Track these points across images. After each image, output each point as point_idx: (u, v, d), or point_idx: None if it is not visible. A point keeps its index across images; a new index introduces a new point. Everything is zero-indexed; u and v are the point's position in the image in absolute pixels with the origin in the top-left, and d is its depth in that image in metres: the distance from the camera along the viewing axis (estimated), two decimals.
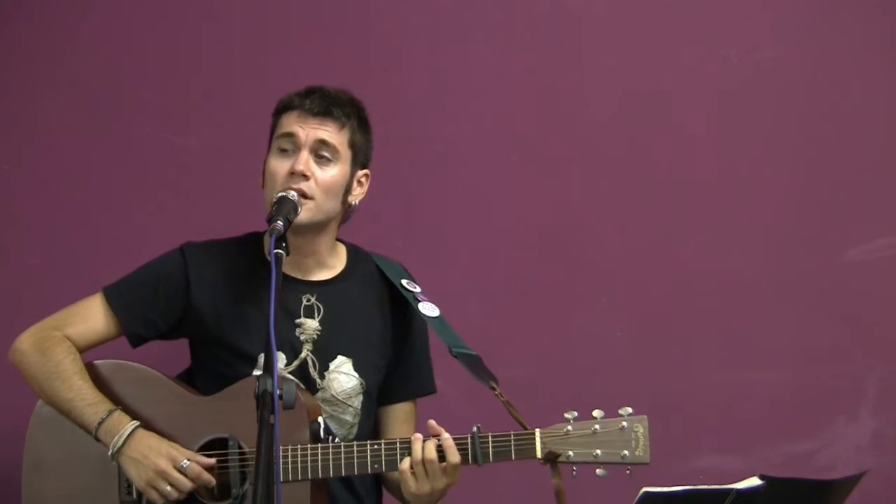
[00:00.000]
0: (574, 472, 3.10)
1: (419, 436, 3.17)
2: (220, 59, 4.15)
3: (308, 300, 3.40)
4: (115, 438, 3.26)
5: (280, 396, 2.74)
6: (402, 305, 3.45)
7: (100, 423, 3.28)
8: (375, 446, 3.19)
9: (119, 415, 3.29)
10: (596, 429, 3.10)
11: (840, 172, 4.06)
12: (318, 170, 3.33)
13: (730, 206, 4.06)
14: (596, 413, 3.11)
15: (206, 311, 3.38)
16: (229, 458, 3.25)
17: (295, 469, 3.19)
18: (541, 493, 3.22)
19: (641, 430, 3.09)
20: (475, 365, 3.33)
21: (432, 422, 3.17)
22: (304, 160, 3.32)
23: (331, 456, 3.19)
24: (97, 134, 4.13)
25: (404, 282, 3.45)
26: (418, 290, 3.45)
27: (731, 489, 2.80)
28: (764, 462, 3.93)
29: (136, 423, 3.28)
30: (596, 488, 3.10)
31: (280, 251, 3.02)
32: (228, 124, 4.10)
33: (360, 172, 3.43)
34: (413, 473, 3.14)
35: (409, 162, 4.08)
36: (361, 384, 3.39)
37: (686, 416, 3.99)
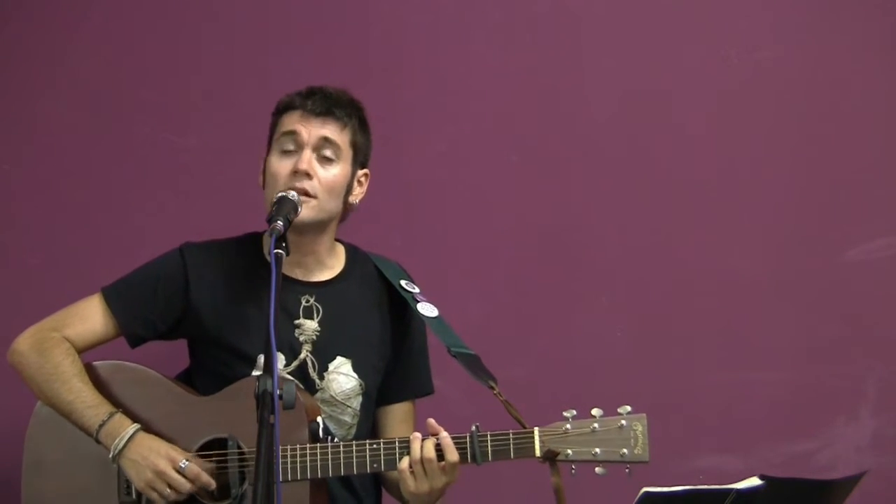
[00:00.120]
0: (573, 471, 3.10)
1: (418, 435, 3.17)
2: (220, 59, 4.15)
3: (307, 301, 3.40)
4: (116, 441, 3.26)
5: (280, 396, 2.74)
6: (401, 306, 3.45)
7: (100, 426, 3.28)
8: (374, 446, 3.19)
9: (120, 417, 3.29)
10: (595, 427, 3.10)
11: (840, 172, 4.06)
12: (320, 169, 3.34)
13: (730, 206, 4.06)
14: (595, 412, 3.11)
15: (205, 311, 3.38)
16: (228, 458, 3.25)
17: (294, 469, 3.19)
18: (540, 493, 3.22)
19: (640, 428, 3.09)
20: (474, 364, 3.33)
21: (431, 420, 3.16)
22: (308, 159, 3.32)
23: (330, 456, 3.19)
24: (97, 134, 4.14)
25: (403, 282, 3.45)
26: (417, 290, 3.45)
27: (731, 489, 2.80)
28: (764, 462, 3.93)
29: (136, 425, 3.28)
30: (595, 487, 3.10)
31: (280, 251, 3.01)
32: (228, 124, 4.10)
33: (360, 172, 3.44)
34: (412, 473, 3.14)
35: (409, 162, 4.08)
36: (360, 385, 3.39)
37: (686, 416, 3.99)
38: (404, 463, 3.15)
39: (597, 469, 3.09)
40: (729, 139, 4.08)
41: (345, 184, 3.38)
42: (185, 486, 3.24)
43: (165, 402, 3.35)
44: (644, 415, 3.10)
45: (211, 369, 3.38)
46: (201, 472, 3.24)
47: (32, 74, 4.15)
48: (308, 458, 3.19)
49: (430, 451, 3.13)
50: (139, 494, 3.30)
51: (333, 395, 3.37)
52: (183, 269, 3.40)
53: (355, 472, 3.21)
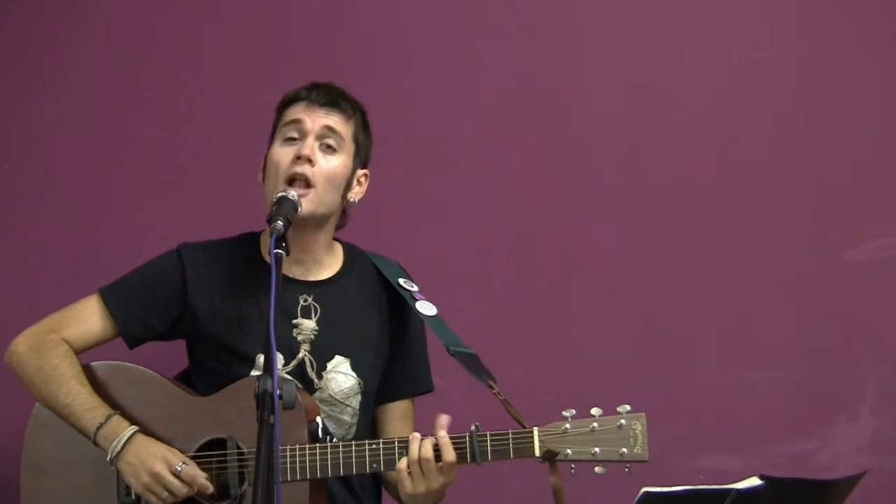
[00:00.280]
0: (573, 471, 3.10)
1: (417, 435, 3.16)
2: (219, 59, 4.15)
3: (305, 300, 3.40)
4: (114, 443, 3.26)
5: (280, 396, 2.74)
6: (400, 304, 3.45)
7: (98, 428, 3.28)
8: (374, 446, 3.19)
9: (117, 419, 3.29)
10: (594, 427, 3.10)
11: (840, 172, 4.06)
12: (321, 158, 3.34)
13: (730, 206, 4.06)
14: (594, 411, 3.11)
15: (203, 311, 3.38)
16: (228, 458, 3.25)
17: (294, 469, 3.19)
18: (540, 492, 3.21)
19: (640, 427, 3.09)
20: (473, 364, 3.33)
21: (444, 420, 3.15)
22: (310, 145, 3.34)
23: (329, 456, 3.19)
24: (97, 134, 4.13)
25: (402, 281, 3.45)
26: (416, 288, 3.45)
27: (731, 489, 2.80)
28: (764, 462, 3.93)
29: (134, 427, 3.28)
30: (595, 487, 3.10)
31: (280, 251, 3.01)
32: (228, 124, 4.10)
33: (360, 171, 3.44)
34: (409, 473, 3.14)
35: (409, 162, 4.08)
36: (359, 384, 3.39)
37: (686, 416, 3.99)
38: (402, 463, 3.15)
39: (596, 469, 3.09)
40: (729, 139, 4.08)
41: (345, 176, 3.38)
42: (182, 489, 3.24)
43: (164, 402, 3.34)
44: (643, 414, 3.10)
45: (209, 369, 3.38)
46: (197, 475, 3.24)
47: (32, 74, 4.14)
48: (307, 458, 3.19)
49: (427, 451, 3.13)
50: (138, 496, 3.30)
51: (332, 394, 3.37)
52: (181, 269, 3.40)
53: (355, 472, 3.21)
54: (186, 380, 3.45)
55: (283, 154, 3.35)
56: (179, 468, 3.23)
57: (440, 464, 3.13)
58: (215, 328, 3.37)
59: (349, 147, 3.40)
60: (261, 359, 3.33)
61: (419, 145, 4.11)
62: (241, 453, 3.24)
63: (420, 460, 3.13)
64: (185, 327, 3.41)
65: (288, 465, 3.19)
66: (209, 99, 4.14)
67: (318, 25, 4.14)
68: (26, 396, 3.41)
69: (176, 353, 3.48)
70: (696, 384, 4.02)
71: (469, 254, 4.10)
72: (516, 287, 4.09)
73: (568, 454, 3.10)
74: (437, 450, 3.13)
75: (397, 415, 3.48)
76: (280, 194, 3.24)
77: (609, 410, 3.12)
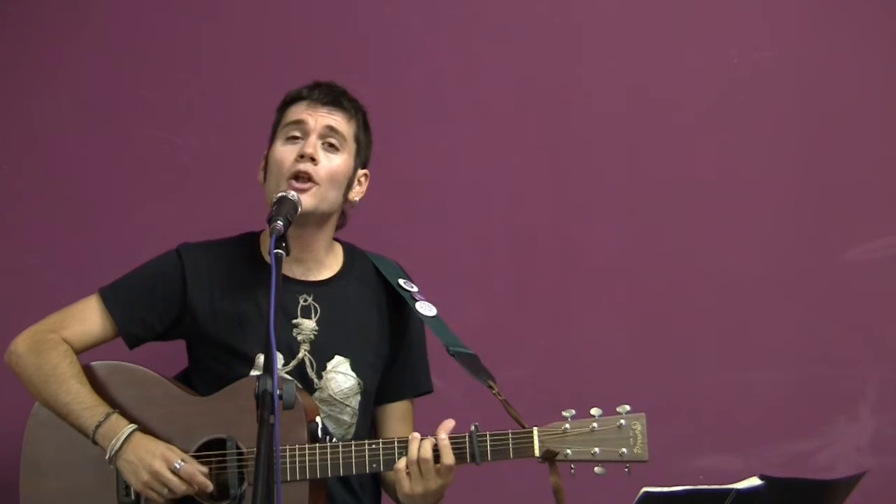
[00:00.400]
0: (573, 471, 3.10)
1: (416, 435, 3.16)
2: (219, 59, 4.15)
3: (305, 300, 3.40)
4: (113, 442, 3.26)
5: (280, 397, 2.74)
6: (400, 305, 3.45)
7: (97, 427, 3.28)
8: (373, 446, 3.19)
9: (116, 418, 3.29)
10: (594, 427, 3.10)
11: (840, 172, 4.06)
12: (324, 157, 3.35)
13: (730, 206, 4.06)
14: (594, 411, 3.11)
15: (203, 311, 3.38)
16: (227, 458, 3.25)
17: (293, 469, 3.19)
18: (540, 493, 3.21)
19: (639, 427, 3.09)
20: (473, 364, 3.33)
21: (448, 423, 3.16)
22: (313, 144, 3.34)
23: (329, 456, 3.19)
24: (97, 134, 4.13)
25: (401, 281, 3.45)
26: (415, 289, 3.45)
27: (731, 489, 2.79)
28: (764, 462, 3.93)
29: (133, 426, 3.28)
30: (595, 487, 3.10)
31: (280, 251, 3.01)
32: (228, 124, 4.10)
33: (361, 172, 3.44)
34: (408, 473, 3.14)
35: (409, 162, 4.08)
36: (359, 384, 3.39)
37: (686, 416, 3.99)
38: (401, 463, 3.15)
39: (596, 469, 3.08)
40: (729, 139, 4.08)
41: (347, 175, 3.39)
42: (181, 487, 3.24)
43: (164, 402, 3.34)
44: (643, 414, 3.10)
45: (209, 369, 3.38)
46: (196, 472, 3.24)
47: (32, 74, 4.14)
48: (307, 458, 3.19)
49: (426, 452, 3.13)
50: (138, 495, 3.30)
51: (332, 394, 3.37)
52: (180, 269, 3.40)
53: (354, 472, 3.20)
54: (186, 380, 3.45)
55: (285, 152, 3.36)
56: (178, 465, 3.23)
57: (438, 465, 3.13)
58: (215, 328, 3.37)
59: (351, 146, 3.40)
60: (260, 359, 3.33)
61: (419, 145, 4.11)
62: (241, 453, 3.24)
63: (419, 461, 3.13)
64: (184, 327, 3.41)
65: (287, 465, 3.19)
66: (209, 99, 4.14)
67: (318, 25, 4.14)
68: (26, 396, 3.41)
69: (176, 353, 3.48)
70: (696, 384, 4.02)
71: (469, 254, 4.10)
72: (516, 287, 4.09)
73: (568, 454, 3.10)
74: (436, 451, 3.13)
75: (396, 415, 3.48)
76: (280, 194, 3.24)
77: (609, 410, 3.12)
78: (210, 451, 3.27)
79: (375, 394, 3.45)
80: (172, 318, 3.40)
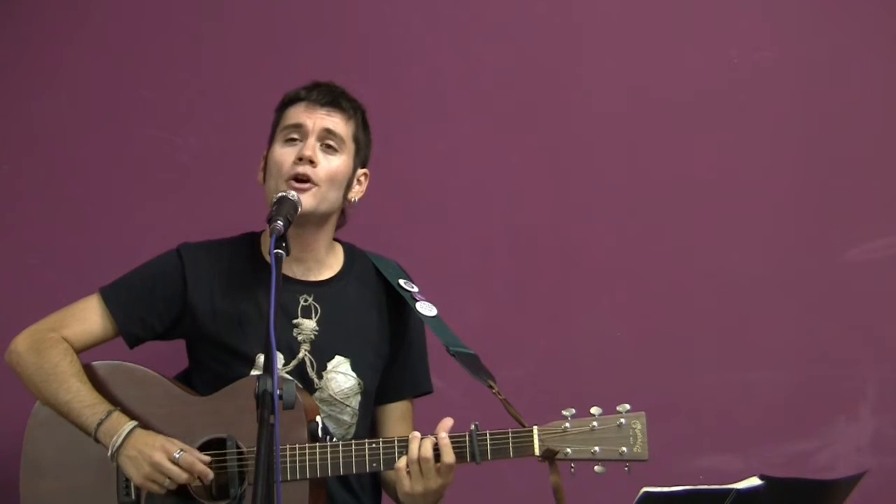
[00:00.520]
0: (573, 470, 3.10)
1: (417, 434, 3.16)
2: (219, 59, 4.15)
3: (305, 300, 3.40)
4: (114, 438, 3.26)
5: (280, 397, 2.74)
6: (400, 305, 3.45)
7: (98, 425, 3.28)
8: (374, 445, 3.19)
9: (118, 415, 3.29)
10: (594, 426, 3.10)
11: (840, 172, 4.06)
12: (323, 158, 3.35)
13: (730, 206, 4.06)
14: (594, 410, 3.11)
15: (203, 311, 3.38)
16: (227, 457, 3.25)
17: (293, 468, 3.19)
18: (540, 492, 3.21)
19: (639, 426, 3.09)
20: (473, 364, 3.33)
21: (447, 422, 3.16)
22: (312, 146, 3.34)
23: (329, 455, 3.19)
24: (97, 134, 4.13)
25: (402, 281, 3.45)
26: (416, 289, 3.45)
27: (731, 489, 2.79)
28: (764, 462, 3.93)
29: (134, 422, 3.28)
30: (595, 486, 3.10)
31: (280, 251, 3.01)
32: (228, 124, 4.10)
33: (360, 171, 3.45)
34: (408, 472, 3.14)
35: (409, 162, 4.08)
36: (359, 384, 3.39)
37: (686, 416, 3.99)
38: (401, 462, 3.15)
39: (596, 468, 3.08)
40: (729, 139, 4.08)
41: (346, 175, 3.39)
42: (182, 476, 3.23)
43: (164, 402, 3.35)
44: (643, 413, 3.10)
45: (209, 369, 3.38)
46: (196, 461, 3.23)
47: (32, 74, 4.14)
48: (307, 457, 3.19)
49: (427, 451, 3.13)
50: (138, 495, 3.30)
51: (332, 394, 3.37)
52: (180, 269, 3.40)
53: (354, 471, 3.20)
54: (187, 380, 3.45)
55: (284, 154, 3.36)
56: (178, 455, 3.23)
57: (439, 464, 3.13)
58: (215, 328, 3.37)
59: (350, 147, 3.40)
60: (261, 358, 3.33)
61: (419, 145, 4.11)
62: (241, 453, 3.25)
63: (419, 460, 3.13)
64: (184, 327, 3.41)
65: (288, 465, 3.19)
66: (209, 99, 4.14)
67: (318, 25, 4.14)
68: (26, 396, 3.41)
69: (176, 353, 3.48)
70: (696, 384, 4.02)
71: (469, 254, 4.10)
72: (516, 287, 4.09)
73: (568, 453, 3.10)
74: (436, 450, 3.13)
75: (396, 415, 3.48)
76: (280, 194, 3.24)
77: (609, 410, 3.12)
78: (210, 450, 3.27)
79: (375, 394, 3.45)
80: (172, 318, 3.40)
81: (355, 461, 3.19)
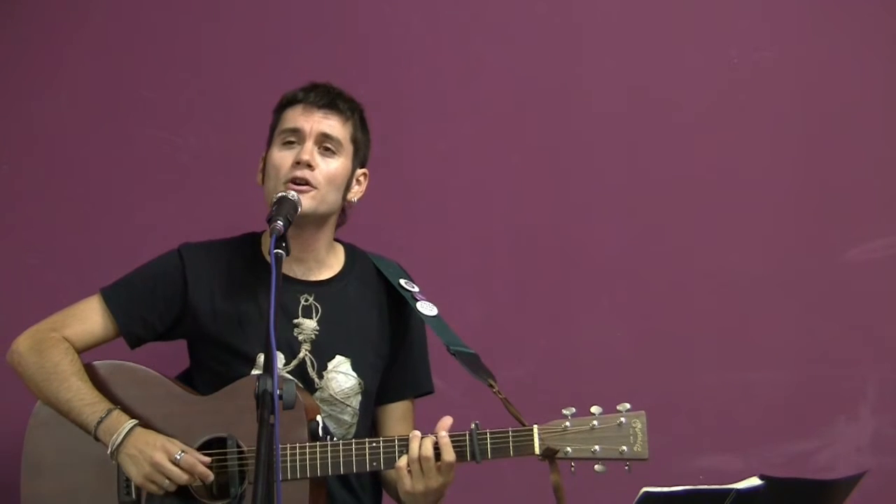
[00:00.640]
0: (573, 469, 3.10)
1: (417, 433, 3.16)
2: (219, 60, 4.15)
3: (306, 300, 3.40)
4: (114, 437, 3.26)
5: (280, 396, 2.74)
6: (400, 305, 3.45)
7: (99, 423, 3.28)
8: (374, 444, 3.19)
9: (118, 414, 3.29)
10: (594, 425, 3.10)
11: (840, 172, 4.06)
12: (321, 161, 3.35)
13: (730, 206, 4.06)
14: (594, 409, 3.11)
15: (204, 311, 3.38)
16: (228, 457, 3.25)
17: (294, 468, 3.19)
18: (540, 491, 3.21)
19: (640, 425, 3.09)
20: (473, 363, 3.33)
21: (447, 420, 3.15)
22: (309, 150, 3.34)
23: (329, 454, 3.19)
24: (97, 134, 4.13)
25: (402, 281, 3.45)
26: (416, 289, 3.45)
27: (731, 489, 2.79)
28: (764, 462, 3.93)
29: (134, 421, 3.28)
30: (595, 486, 3.10)
31: (280, 251, 3.01)
32: (228, 124, 4.10)
33: (360, 171, 3.45)
34: (409, 471, 3.14)
35: (409, 162, 4.08)
36: (360, 384, 3.39)
37: (686, 416, 4.00)
38: (402, 461, 3.15)
39: (596, 467, 3.08)
40: (729, 139, 4.08)
41: (345, 177, 3.39)
42: (182, 477, 3.24)
43: (165, 402, 3.35)
44: (643, 412, 3.10)
45: (210, 369, 3.39)
46: (197, 462, 3.23)
47: (32, 74, 4.14)
48: (307, 456, 3.19)
49: (427, 450, 3.13)
50: (138, 494, 3.30)
51: (333, 394, 3.37)
52: (181, 269, 3.40)
53: (355, 470, 3.21)
54: (188, 380, 3.45)
55: (282, 158, 3.35)
56: (179, 456, 3.23)
57: (439, 463, 3.13)
58: (216, 328, 3.37)
59: (348, 149, 3.40)
60: (261, 358, 3.33)
61: (419, 145, 4.11)
62: (241, 452, 3.25)
63: (420, 458, 3.13)
64: (185, 327, 3.41)
65: (288, 464, 3.19)
66: (209, 99, 4.14)
67: (318, 25, 4.14)
68: (27, 397, 3.41)
69: (176, 353, 3.48)
70: (696, 384, 4.02)
71: (469, 254, 4.10)
72: (516, 287, 4.09)
73: (568, 452, 3.10)
74: (436, 448, 3.13)
75: (397, 416, 3.48)
76: (280, 194, 3.25)
77: (609, 410, 3.11)
78: (210, 449, 3.27)
79: (376, 394, 3.45)
80: (173, 318, 3.41)
81: (355, 460, 3.19)
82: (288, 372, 3.35)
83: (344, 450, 3.20)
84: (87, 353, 3.41)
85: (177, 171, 4.13)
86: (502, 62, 4.12)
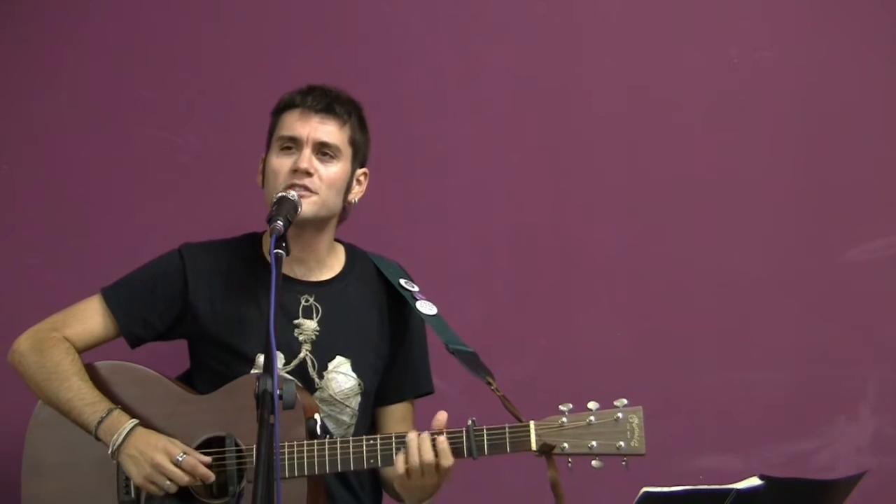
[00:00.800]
0: (570, 465, 3.09)
1: (414, 434, 3.16)
2: (219, 60, 4.15)
3: (307, 301, 3.40)
4: (115, 436, 3.26)
5: (280, 396, 2.74)
6: (401, 305, 3.45)
7: (99, 423, 3.28)
8: (371, 441, 3.19)
9: (118, 413, 3.29)
10: (591, 420, 3.09)
11: (840, 172, 4.06)
12: (320, 166, 3.35)
13: (730, 206, 4.06)
14: (591, 405, 3.10)
15: (204, 311, 3.38)
16: (226, 456, 3.25)
17: (292, 465, 3.19)
18: (538, 488, 3.21)
19: (636, 420, 3.09)
20: (472, 361, 3.33)
21: (441, 416, 3.15)
22: (307, 157, 3.33)
23: (327, 452, 3.19)
24: (97, 134, 4.13)
25: (402, 281, 3.45)
26: (416, 289, 3.45)
27: (731, 489, 2.80)
28: (764, 462, 3.93)
29: (134, 421, 3.28)
30: (593, 483, 3.10)
31: (280, 251, 3.01)
32: (228, 124, 4.10)
33: (360, 171, 3.44)
34: (407, 469, 3.14)
35: (409, 162, 4.08)
36: (359, 384, 3.39)
37: (686, 416, 4.00)
38: (400, 458, 3.15)
39: (593, 462, 3.08)
40: (729, 139, 4.08)
41: (345, 180, 3.39)
42: (183, 478, 3.24)
43: (164, 401, 3.35)
44: (640, 407, 3.09)
45: (210, 369, 3.39)
46: (198, 464, 3.24)
47: (32, 74, 4.14)
48: (305, 454, 3.19)
49: (426, 450, 3.12)
50: (138, 494, 3.30)
51: (332, 394, 3.37)
52: (182, 269, 3.40)
53: (352, 468, 3.20)
54: (188, 380, 3.45)
55: (280, 164, 3.35)
56: (180, 458, 3.23)
57: (437, 461, 3.12)
58: (216, 328, 3.37)
59: (346, 152, 3.39)
60: (261, 358, 3.33)
61: (419, 145, 4.11)
62: (240, 451, 3.25)
63: (419, 458, 3.13)
64: (185, 327, 3.41)
65: (286, 462, 3.19)
66: (209, 99, 4.14)
67: (317, 25, 4.14)
68: (27, 397, 3.41)
69: (176, 353, 3.48)
70: (696, 384, 4.02)
71: (469, 254, 4.10)
72: (516, 287, 4.09)
73: (565, 448, 3.09)
74: (434, 444, 3.13)
75: (397, 417, 3.48)
76: (280, 194, 3.25)
77: (606, 406, 3.11)
78: (209, 448, 3.27)
79: (376, 395, 3.45)
80: (173, 318, 3.41)
81: (353, 458, 3.19)
82: (288, 372, 3.35)
83: (342, 447, 3.20)
84: (87, 353, 3.41)
85: (177, 171, 4.13)
86: (502, 62, 4.12)
